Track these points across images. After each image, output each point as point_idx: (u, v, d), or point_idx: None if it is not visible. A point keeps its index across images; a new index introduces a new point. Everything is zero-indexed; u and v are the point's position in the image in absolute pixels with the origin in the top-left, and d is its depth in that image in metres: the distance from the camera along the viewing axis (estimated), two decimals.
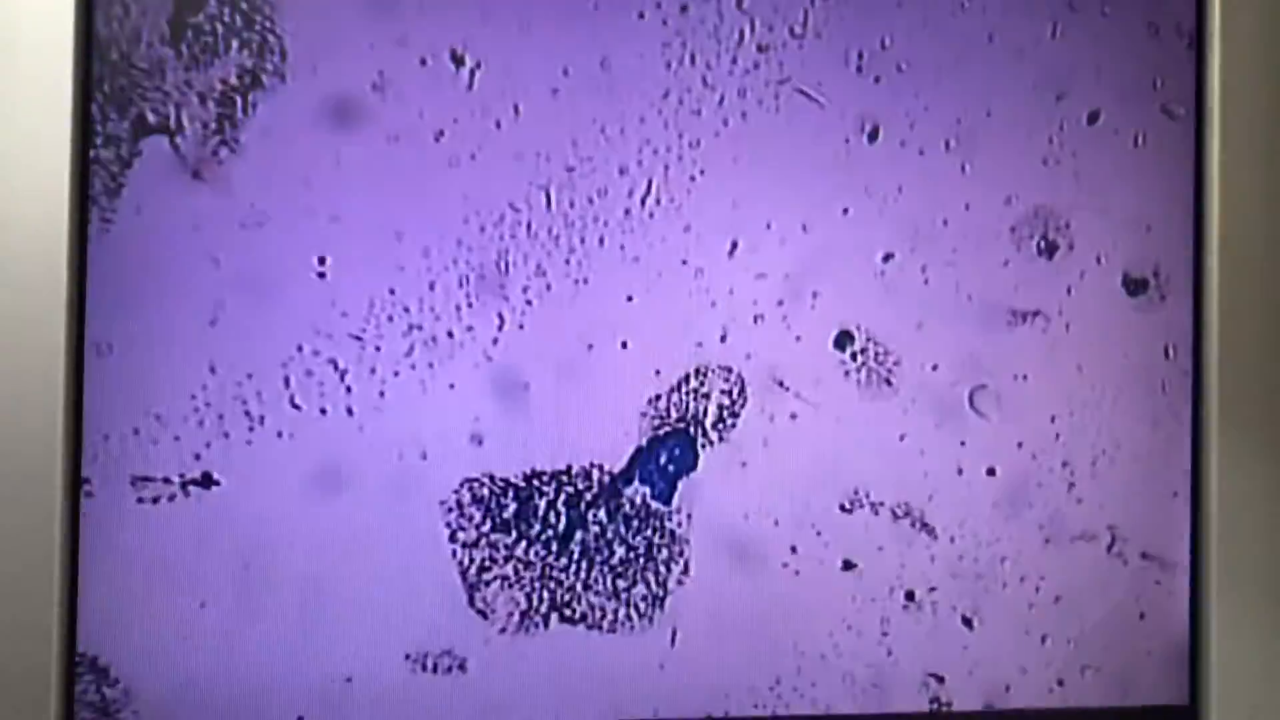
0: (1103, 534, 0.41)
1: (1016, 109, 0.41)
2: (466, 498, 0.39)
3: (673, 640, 0.39)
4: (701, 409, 0.40)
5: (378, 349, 0.39)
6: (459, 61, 0.39)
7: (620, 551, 0.39)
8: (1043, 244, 0.41)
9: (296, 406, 0.38)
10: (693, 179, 0.40)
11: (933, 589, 0.40)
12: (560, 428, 0.39)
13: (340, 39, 0.39)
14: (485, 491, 0.39)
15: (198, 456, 0.38)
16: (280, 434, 0.38)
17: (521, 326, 0.39)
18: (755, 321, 0.40)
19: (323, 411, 0.38)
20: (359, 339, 0.39)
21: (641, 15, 0.39)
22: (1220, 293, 0.41)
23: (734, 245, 0.40)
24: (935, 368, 0.40)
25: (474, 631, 0.39)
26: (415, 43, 0.39)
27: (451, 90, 0.39)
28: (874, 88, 0.40)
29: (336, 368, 0.39)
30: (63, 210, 0.38)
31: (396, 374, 0.39)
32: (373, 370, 0.39)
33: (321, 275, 0.39)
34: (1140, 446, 0.41)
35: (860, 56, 0.40)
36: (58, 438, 0.37)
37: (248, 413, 0.38)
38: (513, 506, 0.39)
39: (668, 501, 0.39)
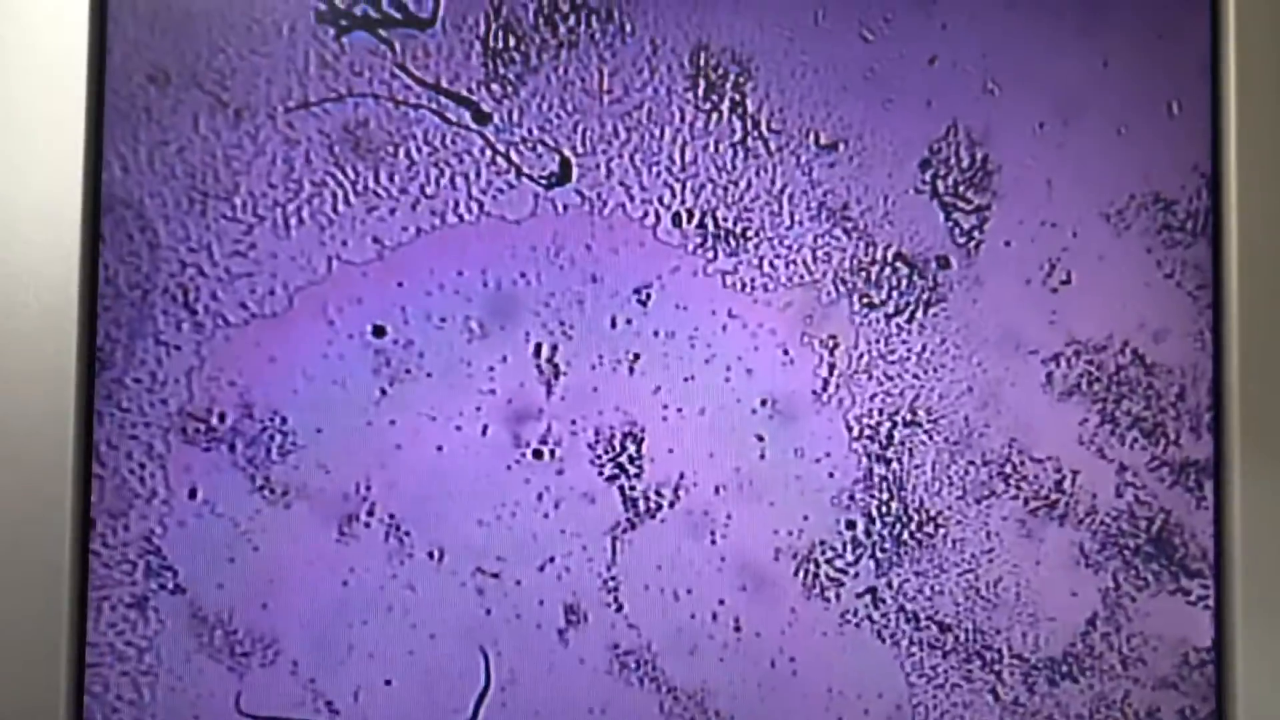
0: (1125, 557, 0.40)
1: None
2: None
3: None
4: None
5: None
6: None
7: None
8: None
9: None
10: None
11: (954, 616, 0.40)
12: None
13: None
14: None
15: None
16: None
17: None
18: None
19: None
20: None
21: None
22: (1240, 316, 0.41)
23: None
24: (968, 420, 0.40)
25: None
26: None
27: None
28: None
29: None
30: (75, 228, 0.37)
31: None
32: None
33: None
34: (1162, 468, 0.41)
35: None
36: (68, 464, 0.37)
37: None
38: None
39: None
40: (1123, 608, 0.40)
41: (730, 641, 0.39)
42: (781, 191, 0.40)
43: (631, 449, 0.39)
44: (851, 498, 0.40)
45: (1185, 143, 0.41)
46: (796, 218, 0.40)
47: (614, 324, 0.39)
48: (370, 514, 0.38)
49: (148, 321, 0.38)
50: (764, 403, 0.39)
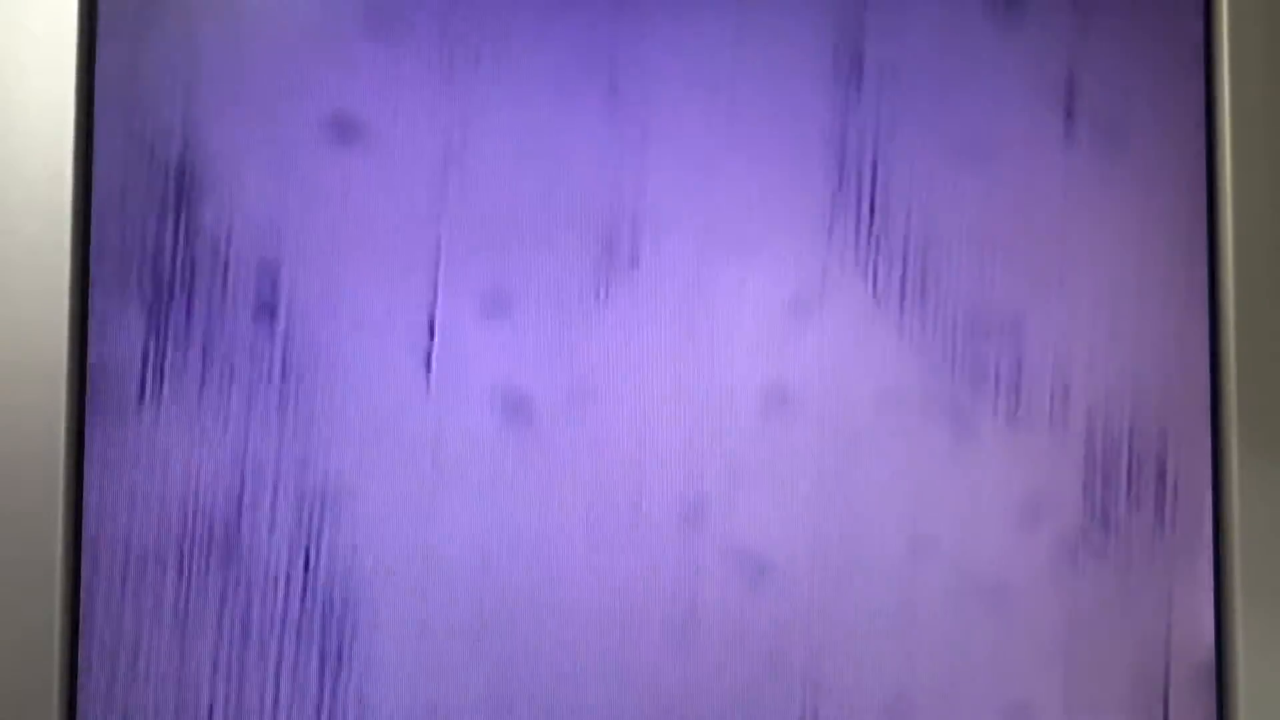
0: (1126, 558, 0.40)
1: None
2: None
3: None
4: None
5: None
6: None
7: None
8: None
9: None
10: None
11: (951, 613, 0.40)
12: None
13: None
14: None
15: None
16: None
17: None
18: None
19: None
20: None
21: None
22: (1236, 317, 0.40)
23: None
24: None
25: None
26: None
27: None
28: None
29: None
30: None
31: None
32: None
33: None
34: (1163, 468, 0.40)
35: None
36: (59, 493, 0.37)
37: None
38: None
39: None
40: None
41: None
42: None
43: None
44: None
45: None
46: None
47: None
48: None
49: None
50: None
